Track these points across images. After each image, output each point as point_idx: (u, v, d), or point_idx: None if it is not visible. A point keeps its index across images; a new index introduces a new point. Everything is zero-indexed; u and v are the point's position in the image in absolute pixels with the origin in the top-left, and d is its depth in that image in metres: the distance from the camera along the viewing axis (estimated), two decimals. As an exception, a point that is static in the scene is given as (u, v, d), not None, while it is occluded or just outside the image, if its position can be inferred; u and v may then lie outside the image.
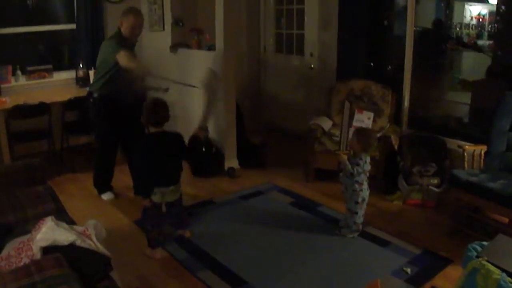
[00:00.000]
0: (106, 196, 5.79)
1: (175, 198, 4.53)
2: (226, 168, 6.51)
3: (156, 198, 4.42)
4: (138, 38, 5.59)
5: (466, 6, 6.17)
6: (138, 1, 7.84)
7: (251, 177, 6.39)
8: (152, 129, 4.47)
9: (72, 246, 3.03)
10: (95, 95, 5.44)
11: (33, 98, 6.34)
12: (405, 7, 6.28)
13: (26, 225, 3.47)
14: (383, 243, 4.62)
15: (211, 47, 6.58)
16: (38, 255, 2.91)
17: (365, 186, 4.70)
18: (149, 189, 4.39)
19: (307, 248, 4.58)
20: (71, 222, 3.61)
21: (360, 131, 4.80)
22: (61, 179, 6.35)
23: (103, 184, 5.86)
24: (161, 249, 4.55)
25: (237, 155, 6.68)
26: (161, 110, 4.43)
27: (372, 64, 6.81)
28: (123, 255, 4.36)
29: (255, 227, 5.01)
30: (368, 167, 4.66)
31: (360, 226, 4.78)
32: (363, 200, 4.70)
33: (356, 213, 4.70)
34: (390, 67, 6.79)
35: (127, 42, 5.32)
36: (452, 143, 5.69)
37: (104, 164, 5.81)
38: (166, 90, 5.99)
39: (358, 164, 4.59)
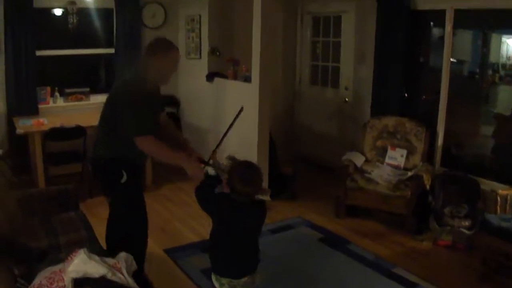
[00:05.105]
0: None
1: None
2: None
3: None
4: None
5: (503, 39, 6.18)
6: (175, 29, 7.97)
7: (281, 210, 6.37)
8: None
9: (103, 279, 3.07)
10: (107, 157, 4.09)
11: (70, 120, 6.49)
12: (442, 43, 6.27)
13: (59, 253, 3.53)
14: (410, 285, 4.57)
15: (247, 78, 6.62)
16: (69, 287, 2.95)
17: None
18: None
19: (333, 287, 4.56)
20: (102, 251, 3.66)
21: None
22: (93, 201, 6.44)
23: None
24: None
25: (268, 186, 6.65)
26: (256, 179, 3.35)
27: (407, 100, 6.79)
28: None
29: (283, 262, 5.00)
30: None
31: None
32: None
33: None
34: (425, 103, 6.77)
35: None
36: (485, 184, 5.64)
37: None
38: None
39: None
